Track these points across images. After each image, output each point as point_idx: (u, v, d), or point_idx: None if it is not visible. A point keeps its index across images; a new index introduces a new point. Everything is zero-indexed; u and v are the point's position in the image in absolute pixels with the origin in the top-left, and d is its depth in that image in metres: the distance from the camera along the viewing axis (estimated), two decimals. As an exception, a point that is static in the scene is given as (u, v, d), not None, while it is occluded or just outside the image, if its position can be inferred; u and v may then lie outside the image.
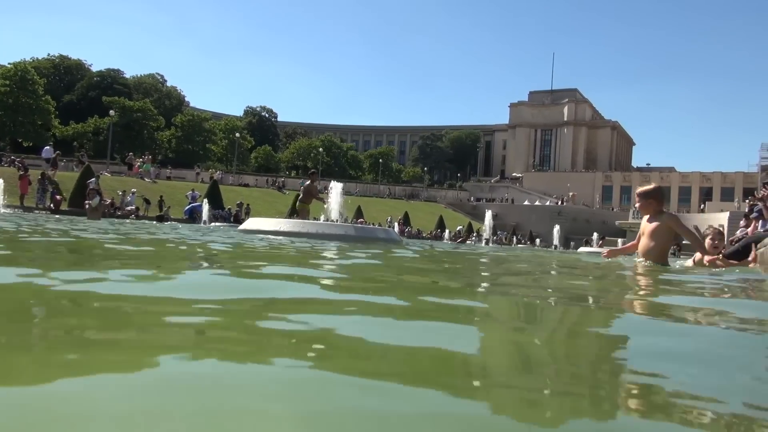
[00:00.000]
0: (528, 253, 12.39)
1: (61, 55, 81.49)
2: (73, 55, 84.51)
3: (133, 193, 32.90)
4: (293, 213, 33.64)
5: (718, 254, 6.49)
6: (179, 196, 38.32)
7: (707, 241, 6.60)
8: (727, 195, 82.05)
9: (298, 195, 16.16)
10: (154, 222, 22.82)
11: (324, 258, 4.85)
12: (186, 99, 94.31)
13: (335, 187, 15.11)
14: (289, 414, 0.70)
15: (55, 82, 75.80)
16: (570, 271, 5.19)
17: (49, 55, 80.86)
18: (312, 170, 16.79)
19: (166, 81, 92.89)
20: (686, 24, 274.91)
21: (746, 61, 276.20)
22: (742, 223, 11.67)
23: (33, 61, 71.82)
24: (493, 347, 1.36)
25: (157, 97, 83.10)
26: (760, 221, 9.72)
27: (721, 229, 7.13)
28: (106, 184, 33.39)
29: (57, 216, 18.57)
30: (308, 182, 15.29)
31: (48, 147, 41.75)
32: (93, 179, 27.29)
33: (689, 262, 6.81)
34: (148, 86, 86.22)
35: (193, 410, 0.69)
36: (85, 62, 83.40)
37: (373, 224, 35.54)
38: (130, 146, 60.34)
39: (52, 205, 27.08)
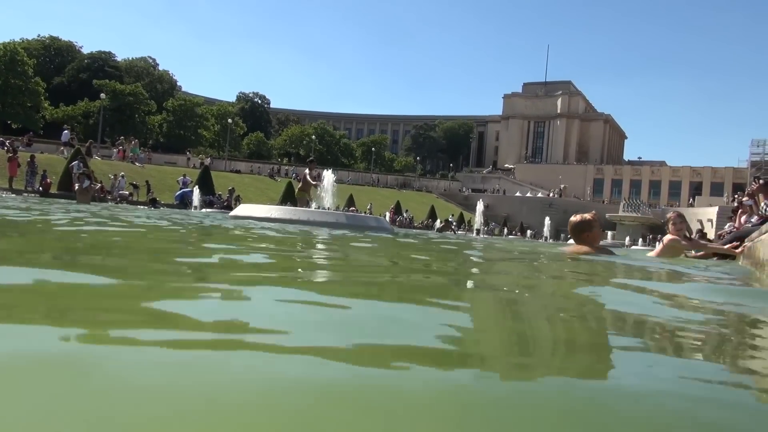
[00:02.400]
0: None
1: (51, 36, 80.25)
2: (64, 37, 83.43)
3: (123, 176, 32.66)
4: (285, 200, 33.61)
5: (682, 236, 6.70)
6: (170, 181, 38.08)
7: (669, 226, 6.70)
8: (717, 190, 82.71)
9: (290, 182, 16.11)
10: (150, 207, 22.70)
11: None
12: (178, 83, 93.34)
13: (327, 176, 15.07)
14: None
15: (45, 64, 74.74)
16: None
17: (39, 36, 79.59)
18: (310, 158, 16.71)
19: (158, 65, 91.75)
20: (680, 19, 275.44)
21: (739, 57, 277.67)
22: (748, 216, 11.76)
23: (23, 41, 70.68)
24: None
25: (149, 81, 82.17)
26: (751, 216, 9.79)
27: (680, 212, 7.14)
28: (97, 168, 33.15)
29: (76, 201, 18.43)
30: (306, 170, 15.24)
31: (66, 131, 42.00)
32: (75, 162, 27.09)
33: (653, 253, 6.94)
34: (140, 70, 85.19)
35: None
36: (75, 44, 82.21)
37: (364, 213, 35.63)
38: (121, 130, 59.77)
39: (41, 188, 26.87)
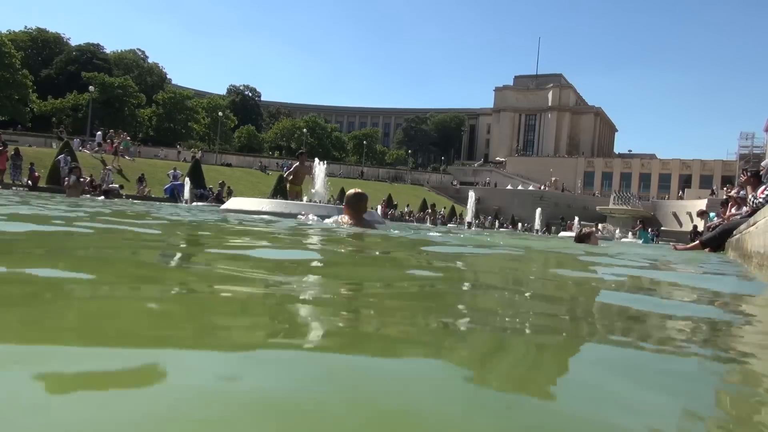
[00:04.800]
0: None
1: (38, 28, 79.17)
2: (51, 29, 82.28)
3: (108, 170, 32.32)
4: (276, 194, 33.50)
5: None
6: (160, 174, 37.86)
7: (591, 238, 9.30)
8: (706, 182, 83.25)
9: (281, 175, 16.02)
10: (101, 197, 21.50)
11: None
12: (168, 76, 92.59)
13: (319, 168, 15.03)
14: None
15: (32, 56, 73.81)
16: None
17: (26, 27, 78.45)
18: (301, 151, 16.43)
19: (147, 57, 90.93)
20: (671, 12, 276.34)
21: (729, 50, 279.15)
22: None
23: (9, 33, 69.74)
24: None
25: (138, 74, 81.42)
26: (743, 207, 9.87)
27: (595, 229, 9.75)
28: (86, 162, 32.91)
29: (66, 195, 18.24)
30: (296, 164, 15.05)
31: (99, 132, 43.47)
32: (62, 156, 26.85)
33: None
34: (129, 62, 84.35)
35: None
36: (63, 36, 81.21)
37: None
38: (110, 123, 59.25)
39: (29, 182, 26.63)
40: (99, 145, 41.75)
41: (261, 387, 0.73)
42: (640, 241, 23.83)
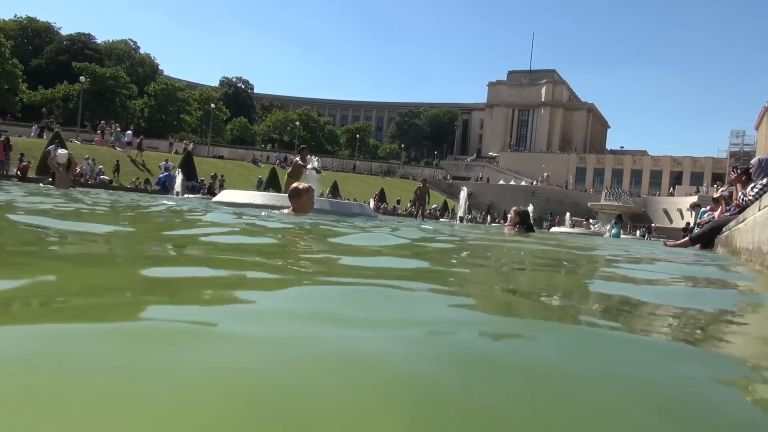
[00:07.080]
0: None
1: (28, 17, 78.31)
2: (42, 17, 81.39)
3: (87, 159, 31.99)
4: (268, 186, 33.42)
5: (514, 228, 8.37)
6: (152, 166, 37.77)
7: (510, 214, 8.64)
8: (697, 179, 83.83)
9: (273, 168, 16.00)
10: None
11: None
12: (160, 67, 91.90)
13: (311, 161, 15.07)
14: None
15: (22, 45, 73.07)
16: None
17: (15, 16, 77.68)
18: (302, 146, 16.64)
19: (139, 48, 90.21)
20: (664, 10, 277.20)
21: (722, 49, 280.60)
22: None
23: (-1, 22, 69.09)
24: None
25: (130, 65, 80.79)
26: (729, 206, 9.92)
27: (521, 209, 8.89)
28: (77, 153, 32.65)
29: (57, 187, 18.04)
30: (297, 158, 15.14)
31: (129, 132, 44.58)
32: (52, 146, 26.65)
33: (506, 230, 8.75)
34: (121, 53, 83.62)
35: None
36: (54, 25, 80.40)
37: (348, 200, 35.65)
38: (102, 114, 58.81)
39: (18, 172, 26.44)
40: (129, 143, 42.35)
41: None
42: (610, 234, 25.08)
